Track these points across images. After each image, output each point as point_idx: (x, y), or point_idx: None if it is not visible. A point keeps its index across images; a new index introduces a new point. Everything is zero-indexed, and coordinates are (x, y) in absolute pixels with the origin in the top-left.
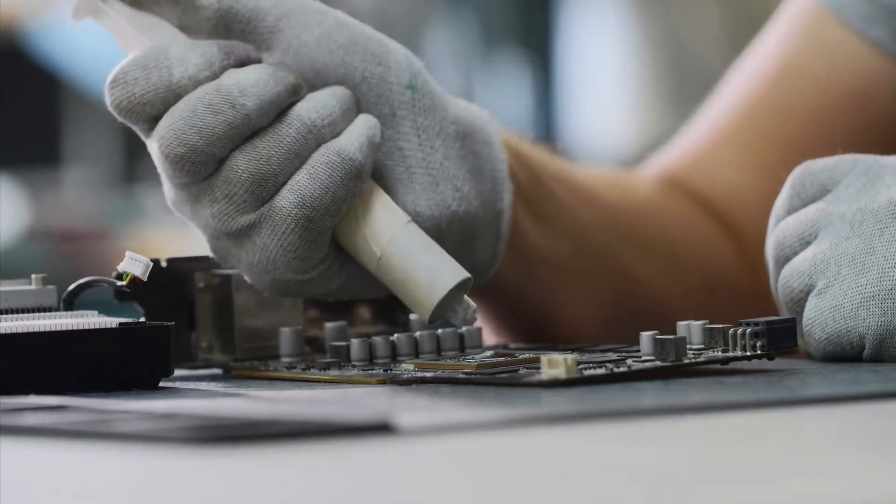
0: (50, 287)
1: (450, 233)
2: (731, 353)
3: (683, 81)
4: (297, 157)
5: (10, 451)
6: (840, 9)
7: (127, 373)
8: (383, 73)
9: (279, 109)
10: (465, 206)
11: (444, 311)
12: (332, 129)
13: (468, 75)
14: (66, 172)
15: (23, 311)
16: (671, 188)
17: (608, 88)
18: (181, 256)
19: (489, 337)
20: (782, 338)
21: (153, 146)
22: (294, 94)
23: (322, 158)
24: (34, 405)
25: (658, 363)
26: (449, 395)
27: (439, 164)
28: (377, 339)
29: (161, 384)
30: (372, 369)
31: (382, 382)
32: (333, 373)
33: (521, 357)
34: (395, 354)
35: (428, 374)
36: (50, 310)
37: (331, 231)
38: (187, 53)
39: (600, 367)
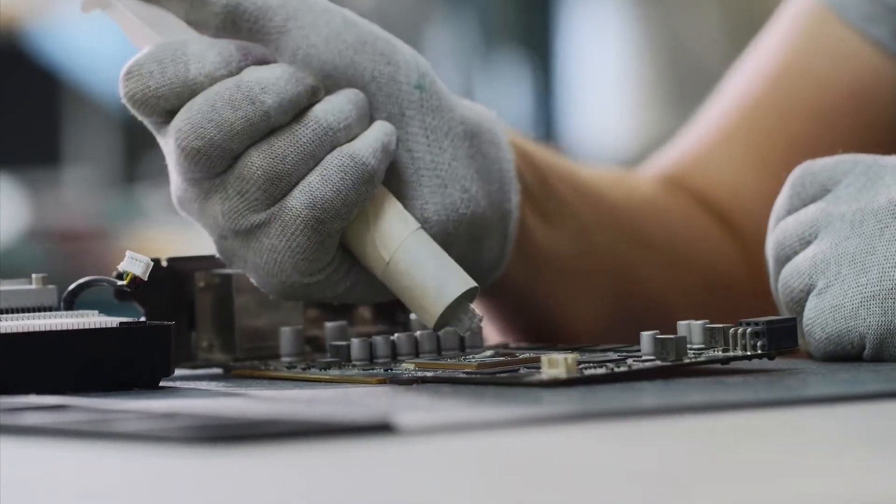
0: (50, 287)
1: (458, 235)
2: (731, 353)
3: (683, 81)
4: (312, 159)
5: (10, 451)
6: (841, 8)
7: (127, 372)
8: (392, 72)
9: (298, 109)
10: (473, 207)
11: (450, 319)
12: (347, 133)
13: (468, 75)
14: (67, 172)
15: (23, 310)
16: (672, 188)
17: (608, 88)
18: (181, 256)
19: (495, 337)
20: (783, 337)
21: (167, 140)
22: (313, 96)
23: (335, 161)
24: (34, 405)
25: (658, 363)
26: (449, 395)
27: (448, 164)
28: (377, 339)
29: (161, 384)
30: (372, 369)
31: (383, 382)
32: (334, 372)
33: (521, 357)
34: (395, 354)
35: (428, 374)
36: (50, 309)
37: (339, 234)
38: (205, 51)
39: (601, 367)
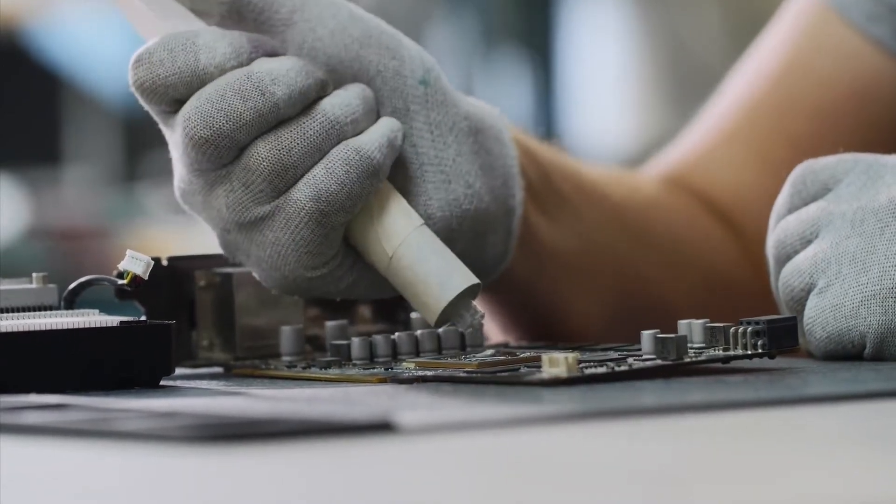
0: (51, 286)
1: (461, 231)
2: (732, 352)
3: (684, 81)
4: (318, 152)
5: (10, 450)
6: (843, 7)
7: (127, 371)
8: (398, 66)
9: (307, 102)
10: (476, 203)
11: (452, 315)
12: (353, 127)
13: (468, 74)
14: (67, 171)
15: (24, 309)
16: (674, 187)
17: (609, 88)
18: (182, 255)
19: (497, 334)
20: (783, 336)
21: (174, 130)
22: (322, 90)
23: (340, 154)
24: (35, 404)
25: (659, 362)
26: (450, 394)
27: (452, 160)
28: (378, 338)
29: (162, 383)
30: (373, 368)
31: (383, 381)
32: (334, 371)
33: (522, 356)
34: (395, 353)
35: (429, 373)
36: (51, 308)
37: (343, 228)
38: (216, 41)
39: (601, 366)
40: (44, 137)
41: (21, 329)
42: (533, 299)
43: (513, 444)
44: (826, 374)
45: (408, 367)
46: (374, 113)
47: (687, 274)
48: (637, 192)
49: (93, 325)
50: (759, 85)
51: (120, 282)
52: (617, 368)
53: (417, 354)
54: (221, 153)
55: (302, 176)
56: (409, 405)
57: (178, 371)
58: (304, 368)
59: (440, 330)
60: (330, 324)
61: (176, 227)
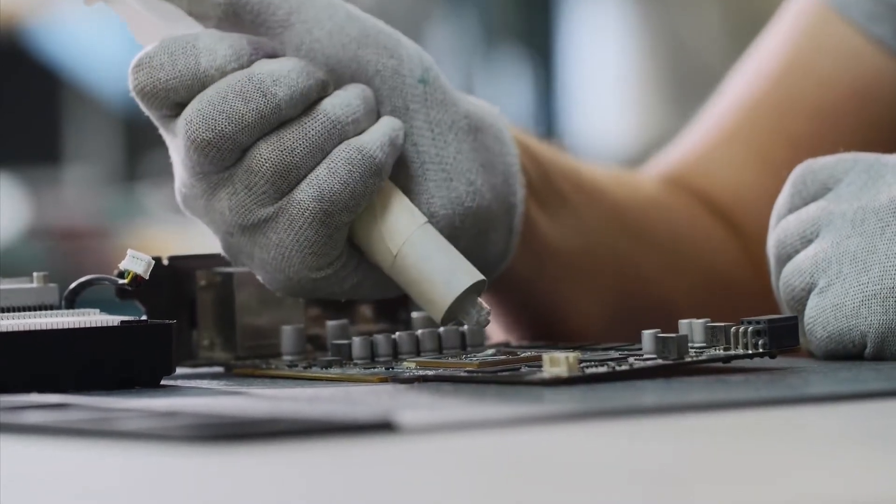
0: (51, 285)
1: (464, 229)
2: (732, 352)
3: (684, 81)
4: (320, 152)
5: (11, 450)
6: (843, 6)
7: (128, 371)
8: (396, 65)
9: (308, 103)
10: (478, 200)
11: (458, 312)
12: (355, 127)
13: (469, 74)
14: (67, 170)
15: (24, 309)
16: (675, 187)
17: (609, 87)
18: (183, 254)
19: (499, 333)
20: (784, 336)
21: (175, 135)
22: (322, 90)
23: (342, 154)
24: (35, 403)
25: (660, 361)
26: (451, 394)
27: (452, 158)
28: (379, 337)
29: (162, 382)
30: (373, 367)
31: (384, 381)
32: (335, 371)
33: (522, 355)
34: (396, 352)
35: (429, 373)
36: (51, 308)
37: (347, 227)
38: (216, 44)
39: (602, 366)
40: (44, 137)
41: (22, 329)
42: (534, 298)
43: (514, 443)
44: (827, 374)
45: (409, 366)
46: (375, 112)
47: (687, 274)
48: (637, 191)
49: (93, 325)
50: (760, 85)
51: (121, 281)
52: (618, 368)
53: (418, 354)
54: (224, 155)
55: (304, 176)
56: (410, 405)
57: (179, 371)
58: (305, 368)
59: (441, 329)
60: (331, 323)
61: (176, 226)
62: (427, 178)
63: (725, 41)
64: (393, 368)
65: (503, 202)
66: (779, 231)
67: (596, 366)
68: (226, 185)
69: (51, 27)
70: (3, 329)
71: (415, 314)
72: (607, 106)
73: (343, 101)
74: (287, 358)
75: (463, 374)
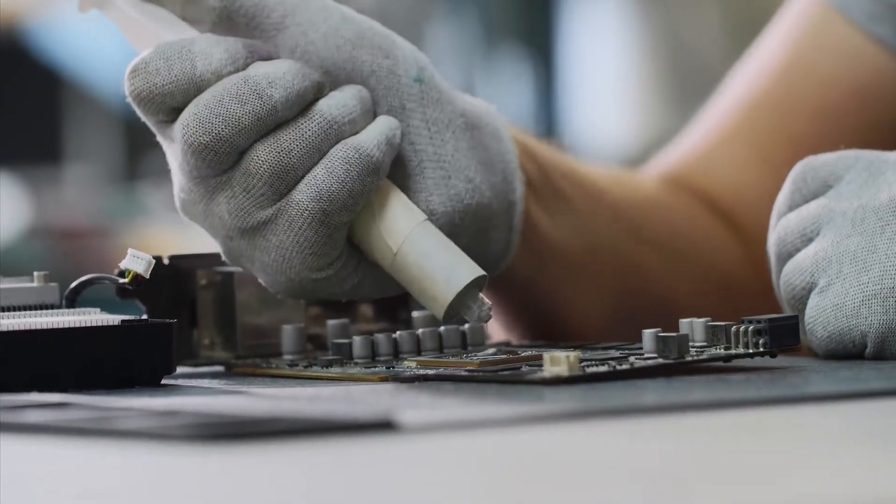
0: (52, 284)
1: (464, 226)
2: (733, 351)
3: (684, 80)
4: (317, 152)
5: (11, 449)
6: (844, 6)
7: (129, 370)
8: (391, 65)
9: (304, 104)
10: (478, 197)
11: (459, 308)
12: (351, 127)
13: (469, 73)
14: (68, 170)
15: (25, 308)
16: (675, 187)
17: (609, 87)
18: (183, 254)
19: (500, 332)
20: (785, 335)
21: (172, 140)
22: (318, 92)
23: (339, 153)
24: (36, 402)
25: (660, 361)
26: (451, 393)
27: (450, 156)
28: (379, 337)
29: (163, 381)
30: (374, 367)
31: (385, 380)
32: (335, 370)
33: (523, 354)
34: (397, 352)
35: (430, 372)
36: (52, 307)
37: (346, 227)
38: (212, 48)
39: (603, 365)
40: (44, 136)
41: (22, 328)
42: (534, 297)
43: (514, 442)
44: (827, 373)
45: (409, 365)
46: (371, 113)
47: (688, 273)
48: (637, 191)
49: (94, 324)
50: (760, 84)
51: (121, 280)
52: (618, 367)
53: (419, 353)
54: (221, 159)
55: (302, 177)
56: (411, 404)
57: (180, 370)
58: (305, 367)
59: (441, 329)
60: (331, 322)
61: (177, 225)
62: (425, 177)
63: (725, 41)
64: (393, 367)
65: (502, 200)
66: (779, 229)
67: (596, 365)
68: (224, 188)
69: (51, 27)
70: (4, 328)
71: (415, 313)
72: (607, 106)
73: (339, 102)
74: (287, 357)
75: (463, 373)
